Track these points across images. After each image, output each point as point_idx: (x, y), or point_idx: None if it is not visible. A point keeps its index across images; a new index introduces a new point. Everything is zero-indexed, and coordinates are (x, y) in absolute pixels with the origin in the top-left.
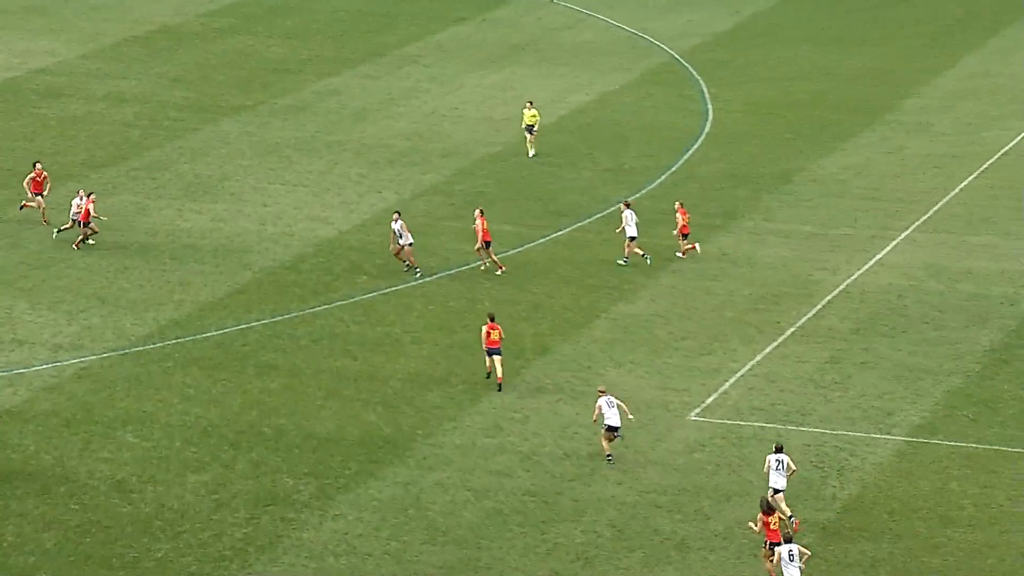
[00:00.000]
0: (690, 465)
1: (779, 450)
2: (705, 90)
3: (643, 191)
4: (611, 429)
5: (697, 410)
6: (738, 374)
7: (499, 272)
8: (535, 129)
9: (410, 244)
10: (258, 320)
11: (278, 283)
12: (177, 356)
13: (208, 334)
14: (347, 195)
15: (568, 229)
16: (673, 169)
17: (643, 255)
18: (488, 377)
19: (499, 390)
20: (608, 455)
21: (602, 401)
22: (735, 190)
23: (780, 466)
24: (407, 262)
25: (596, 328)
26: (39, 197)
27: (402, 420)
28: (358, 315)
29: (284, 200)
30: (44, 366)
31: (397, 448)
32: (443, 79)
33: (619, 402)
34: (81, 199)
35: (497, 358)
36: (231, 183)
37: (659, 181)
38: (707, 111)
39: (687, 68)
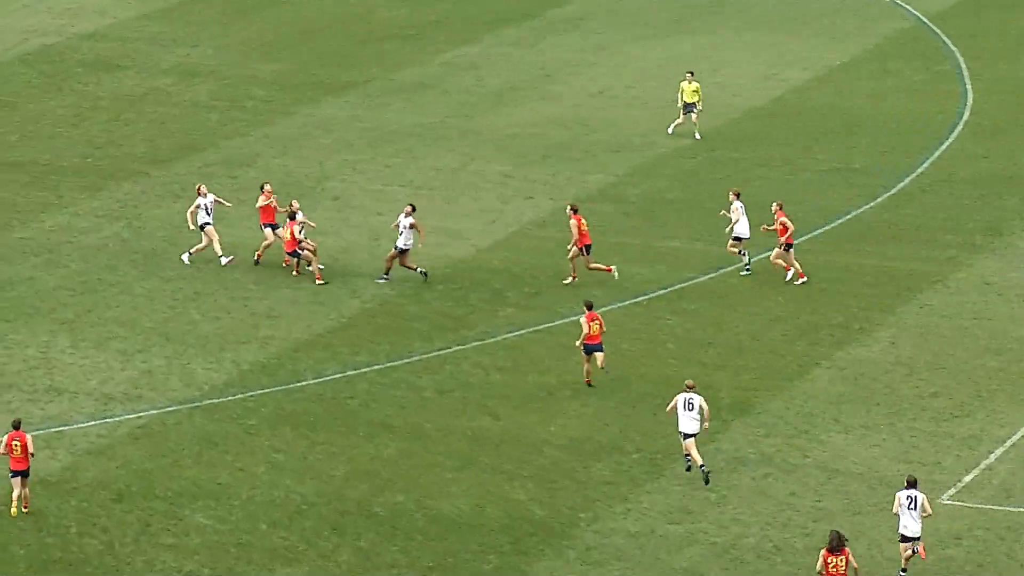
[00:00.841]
0: (943, 564)
1: (912, 484)
2: (963, 65)
3: (879, 199)
4: (686, 437)
5: (952, 491)
6: (1007, 444)
7: (567, 281)
8: (698, 108)
9: (401, 250)
10: (369, 365)
11: (395, 316)
12: (263, 411)
13: (304, 383)
14: (486, 200)
15: (769, 254)
16: (920, 170)
17: (741, 253)
18: (590, 385)
19: (606, 371)
20: (686, 457)
21: (680, 399)
22: (1002, 198)
23: (912, 504)
24: (387, 270)
25: (816, 380)
26: (269, 229)
27: (559, 499)
28: (501, 360)
29: (404, 205)
30: (90, 423)
31: (552, 536)
32: (614, 48)
33: (703, 403)
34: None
35: (599, 355)
36: (334, 184)
37: (900, 186)
38: (965, 93)
39: (938, 36)
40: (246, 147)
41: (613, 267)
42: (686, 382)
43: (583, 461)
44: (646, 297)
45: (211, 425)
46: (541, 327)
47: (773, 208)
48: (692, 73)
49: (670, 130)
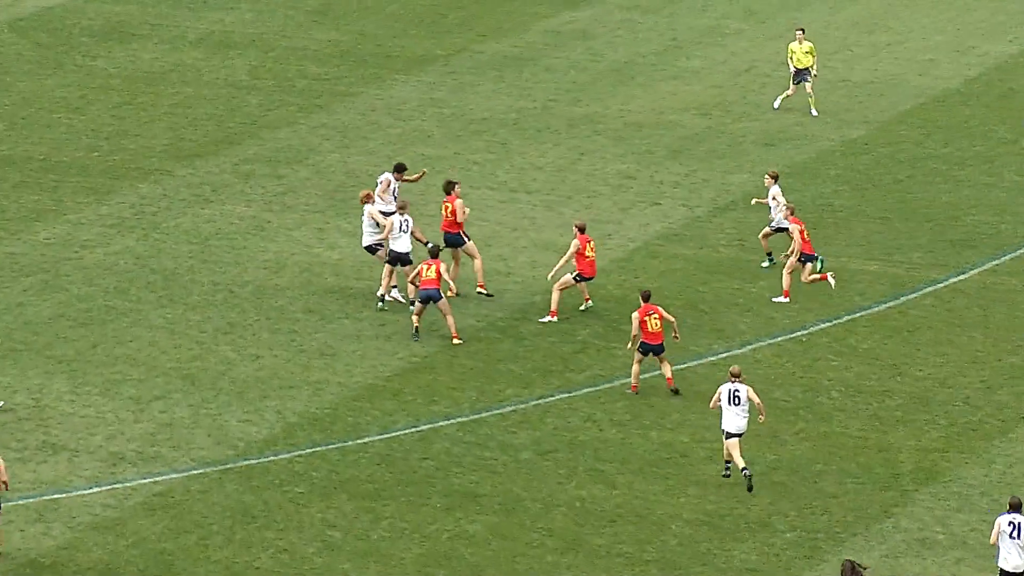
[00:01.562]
0: None
1: (1016, 508)
2: None
3: None
4: (728, 436)
5: None
6: None
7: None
8: (813, 74)
9: (399, 259)
10: (450, 418)
11: (484, 356)
12: (314, 476)
13: (366, 439)
14: (601, 208)
15: (976, 271)
16: None
17: (768, 256)
18: (636, 392)
19: (676, 392)
20: (726, 463)
21: (724, 390)
22: None
23: (1016, 533)
24: (385, 288)
25: (1023, 439)
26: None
27: None
28: (618, 411)
29: (495, 215)
30: (94, 489)
31: None
32: (766, 13)
33: (752, 394)
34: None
35: (666, 366)
36: (407, 186)
37: None
38: None
39: None
40: (296, 139)
41: (829, 274)
42: (731, 369)
43: (722, 542)
44: (804, 332)
45: (248, 494)
46: (671, 369)
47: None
48: (803, 31)
49: (776, 104)
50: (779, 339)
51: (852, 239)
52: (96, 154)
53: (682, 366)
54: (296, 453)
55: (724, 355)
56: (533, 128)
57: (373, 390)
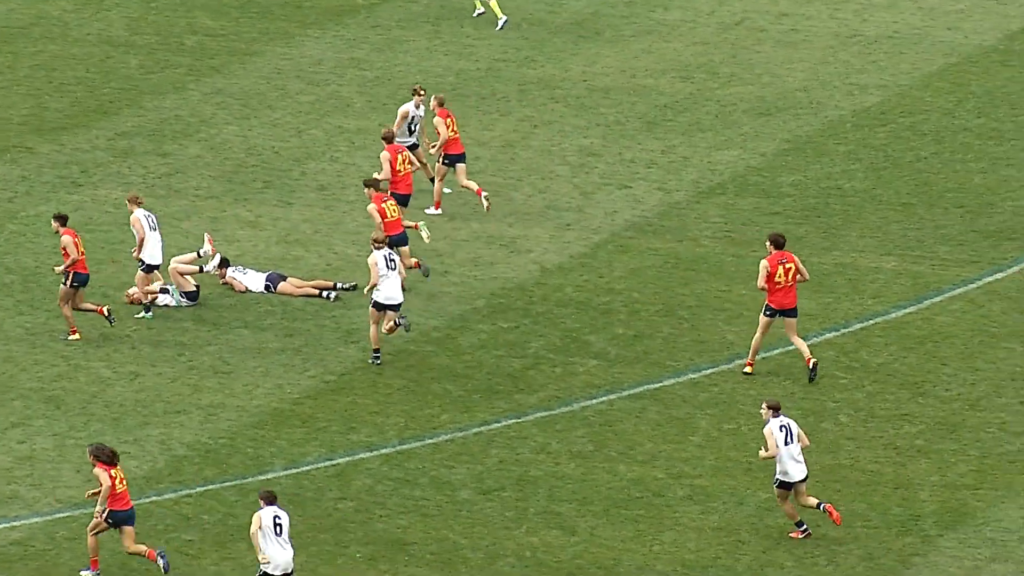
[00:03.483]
0: None
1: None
2: None
3: None
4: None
5: None
6: None
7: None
8: None
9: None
10: (372, 448)
11: (415, 372)
12: (207, 520)
13: (270, 474)
14: (558, 191)
15: (1016, 268)
16: None
17: None
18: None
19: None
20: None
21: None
22: None
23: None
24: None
25: None
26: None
27: None
28: (579, 440)
29: (428, 201)
30: None
31: None
32: None
33: (798, 430)
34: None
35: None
36: (320, 165)
37: None
38: None
39: None
40: (185, 108)
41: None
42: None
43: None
44: (806, 342)
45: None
46: (641, 390)
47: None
48: None
49: None
50: (775, 352)
51: (866, 230)
52: None
53: (656, 385)
54: (185, 492)
55: (708, 371)
56: (476, 95)
57: (279, 415)
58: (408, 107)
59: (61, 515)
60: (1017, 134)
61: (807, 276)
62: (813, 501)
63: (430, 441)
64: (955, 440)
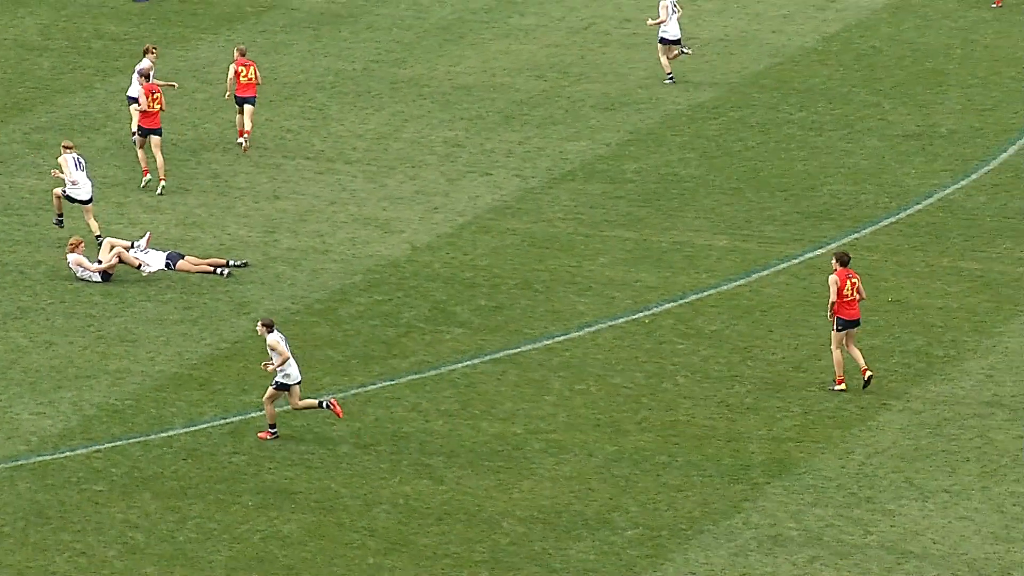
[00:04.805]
0: None
1: None
2: None
3: (973, 175)
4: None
5: None
6: None
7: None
8: None
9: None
10: (262, 408)
11: (300, 341)
12: (114, 473)
13: (171, 432)
14: (427, 179)
15: (833, 245)
16: None
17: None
18: (867, 383)
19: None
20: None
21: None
22: None
23: None
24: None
25: (883, 428)
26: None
27: None
28: (446, 401)
29: (311, 188)
30: None
31: None
32: None
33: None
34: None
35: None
36: (214, 156)
37: (1003, 158)
38: None
39: None
40: (92, 104)
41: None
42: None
43: (558, 540)
44: (648, 312)
45: (42, 492)
46: (501, 355)
47: None
48: None
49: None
50: (620, 321)
51: (700, 211)
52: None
53: (515, 351)
54: (94, 448)
55: (561, 338)
56: (353, 92)
57: (178, 379)
58: (146, 63)
59: None
60: (834, 126)
61: (864, 295)
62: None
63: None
64: (780, 398)
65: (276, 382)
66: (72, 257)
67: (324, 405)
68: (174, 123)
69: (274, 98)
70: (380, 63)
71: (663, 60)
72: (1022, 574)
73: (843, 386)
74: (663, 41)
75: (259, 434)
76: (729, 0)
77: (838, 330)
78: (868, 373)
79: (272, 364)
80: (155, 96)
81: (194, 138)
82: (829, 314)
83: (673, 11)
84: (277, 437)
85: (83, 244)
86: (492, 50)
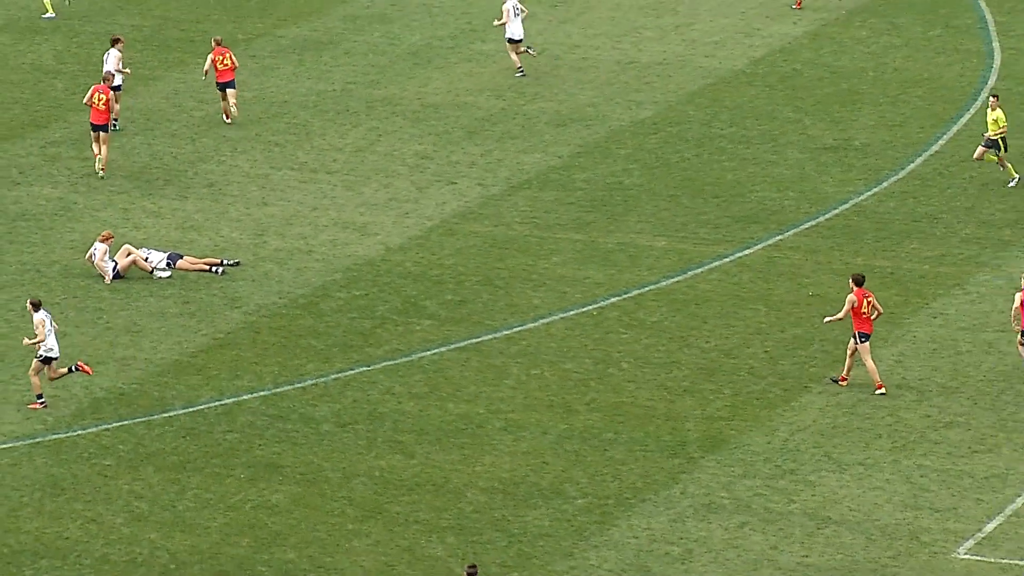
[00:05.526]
0: None
1: None
2: (989, 18)
3: (884, 184)
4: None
5: (969, 543)
6: None
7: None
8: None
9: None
10: (253, 392)
11: (285, 332)
12: (121, 449)
13: (171, 413)
14: (399, 187)
15: (761, 245)
16: (934, 148)
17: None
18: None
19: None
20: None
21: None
22: None
23: None
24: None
25: (804, 407)
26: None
27: (486, 556)
28: (416, 384)
29: (296, 196)
30: None
31: None
32: None
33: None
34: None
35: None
36: (210, 167)
37: (911, 168)
38: (992, 53)
39: None
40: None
41: None
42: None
43: (516, 509)
44: (595, 306)
45: (56, 467)
46: (466, 344)
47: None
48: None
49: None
50: (571, 313)
51: (642, 216)
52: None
53: (477, 340)
54: (103, 427)
55: (518, 329)
56: (333, 110)
57: (178, 366)
58: (114, 52)
59: (5, 446)
60: (761, 140)
61: (881, 311)
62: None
63: (298, 385)
64: (713, 382)
65: (40, 355)
66: (99, 246)
67: (73, 368)
68: (174, 138)
69: (262, 115)
70: (357, 84)
71: (512, 57)
72: (929, 538)
73: (883, 390)
74: (509, 41)
75: (29, 405)
76: (667, 28)
77: (862, 341)
78: (882, 389)
79: (31, 340)
80: (101, 97)
81: (192, 151)
82: (828, 320)
83: (516, 13)
84: (45, 406)
85: (112, 239)
86: (457, 73)
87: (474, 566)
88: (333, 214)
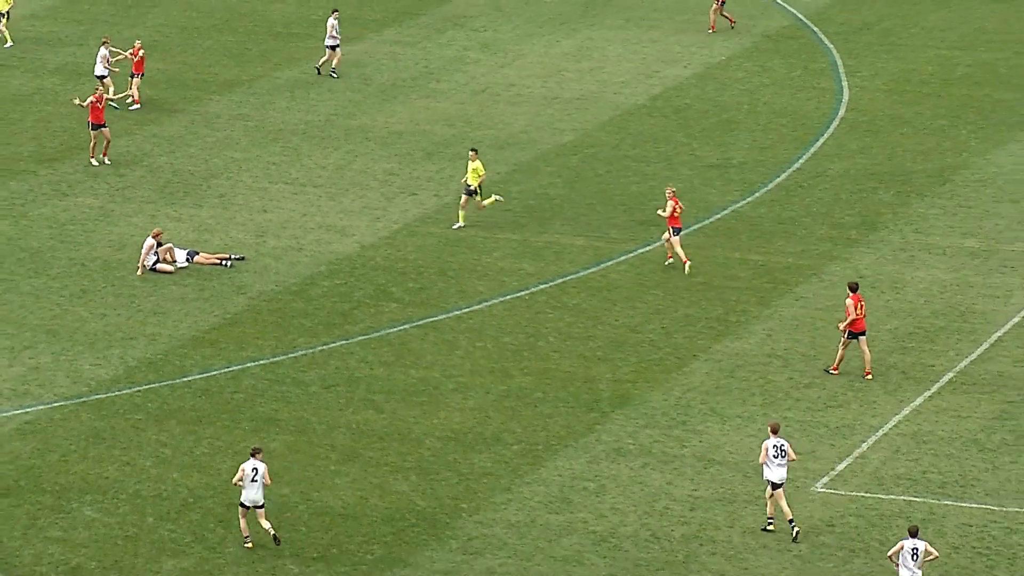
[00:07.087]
0: (815, 551)
1: (914, 534)
2: (839, 62)
3: (756, 194)
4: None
5: (825, 479)
6: (879, 432)
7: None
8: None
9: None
10: (254, 361)
11: (281, 313)
12: (150, 407)
13: (190, 378)
14: (371, 198)
15: (658, 243)
16: (796, 166)
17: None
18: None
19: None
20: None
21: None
22: (876, 193)
23: (915, 556)
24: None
25: (693, 372)
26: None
27: (441, 491)
28: (385, 354)
29: (289, 204)
30: None
31: (435, 527)
32: (498, 47)
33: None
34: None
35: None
36: (220, 182)
37: (777, 181)
38: (841, 90)
39: (815, 33)
40: (133, 145)
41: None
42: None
43: (465, 453)
44: (528, 291)
45: (98, 421)
46: (424, 322)
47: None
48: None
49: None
50: (508, 297)
51: (565, 220)
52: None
53: (433, 319)
54: (136, 389)
55: (467, 310)
56: (318, 136)
57: (195, 340)
58: (102, 51)
59: (57, 404)
60: (658, 160)
61: (864, 312)
62: (786, 511)
63: (291, 355)
64: (621, 351)
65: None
66: (149, 240)
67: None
68: (191, 159)
69: (262, 140)
70: (337, 116)
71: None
72: (793, 475)
73: (870, 376)
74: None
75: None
76: (584, 71)
77: (849, 338)
78: (870, 376)
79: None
80: (94, 103)
81: (205, 169)
82: (843, 327)
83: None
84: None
85: (162, 235)
86: (417, 106)
87: (258, 447)
88: (319, 219)
